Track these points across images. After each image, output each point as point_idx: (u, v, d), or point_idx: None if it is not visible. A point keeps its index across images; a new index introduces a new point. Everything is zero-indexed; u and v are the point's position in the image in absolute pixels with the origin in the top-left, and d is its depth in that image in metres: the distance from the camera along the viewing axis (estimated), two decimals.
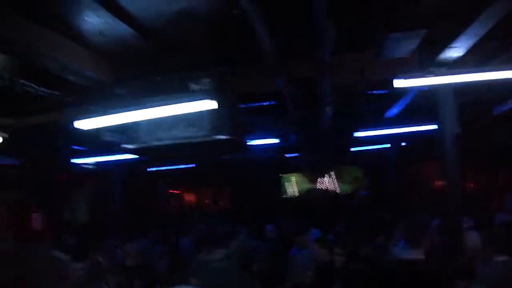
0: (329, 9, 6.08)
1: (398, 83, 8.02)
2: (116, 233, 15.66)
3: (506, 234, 8.14)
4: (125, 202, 18.99)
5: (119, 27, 7.07)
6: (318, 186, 32.98)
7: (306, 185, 33.61)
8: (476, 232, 8.94)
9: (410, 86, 8.32)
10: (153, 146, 9.26)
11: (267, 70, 8.59)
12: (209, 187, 28.61)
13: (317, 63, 8.22)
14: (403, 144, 20.77)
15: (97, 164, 17.24)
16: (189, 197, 28.60)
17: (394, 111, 13.14)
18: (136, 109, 8.20)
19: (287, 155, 21.04)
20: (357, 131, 14.68)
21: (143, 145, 9.32)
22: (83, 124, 8.70)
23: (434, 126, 10.54)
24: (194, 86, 8.60)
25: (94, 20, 6.88)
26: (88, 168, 17.84)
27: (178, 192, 27.05)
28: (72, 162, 16.41)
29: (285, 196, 30.20)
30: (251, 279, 7.79)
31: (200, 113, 8.33)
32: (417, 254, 7.91)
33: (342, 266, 8.46)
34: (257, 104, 11.17)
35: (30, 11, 6.55)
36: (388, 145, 20.85)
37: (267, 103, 11.20)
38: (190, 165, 21.32)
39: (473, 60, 8.97)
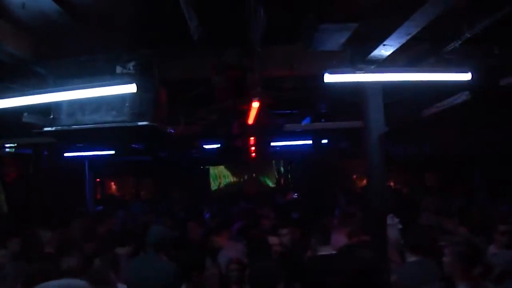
0: None
1: (328, 78, 7.97)
2: (37, 222, 15.19)
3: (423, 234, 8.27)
4: (46, 190, 18.49)
5: (43, 1, 6.77)
6: (243, 179, 33.09)
7: (232, 179, 33.75)
8: (394, 229, 9.07)
9: (339, 82, 8.25)
10: (74, 130, 8.98)
11: (196, 57, 8.43)
12: (131, 177, 28.30)
13: (247, 51, 8.10)
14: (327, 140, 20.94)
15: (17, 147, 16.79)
16: (111, 186, 28.23)
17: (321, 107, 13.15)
18: (58, 90, 7.94)
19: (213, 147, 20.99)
20: (285, 125, 14.69)
21: (64, 128, 9.03)
22: (2, 104, 8.39)
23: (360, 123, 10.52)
24: (119, 69, 8.38)
25: None
26: (6, 153, 17.34)
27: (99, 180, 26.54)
28: None
29: (213, 188, 30.22)
30: (171, 267, 7.64)
31: (123, 98, 8.13)
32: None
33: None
34: (183, 91, 10.96)
35: None
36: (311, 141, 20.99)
37: (194, 90, 11.01)
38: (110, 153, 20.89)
39: (403, 60, 8.98)
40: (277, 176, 33.94)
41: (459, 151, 17.86)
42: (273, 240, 9.14)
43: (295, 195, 23.10)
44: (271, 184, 33.89)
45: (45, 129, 9.29)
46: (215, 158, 24.74)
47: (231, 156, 24.51)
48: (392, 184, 22.22)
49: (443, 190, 18.78)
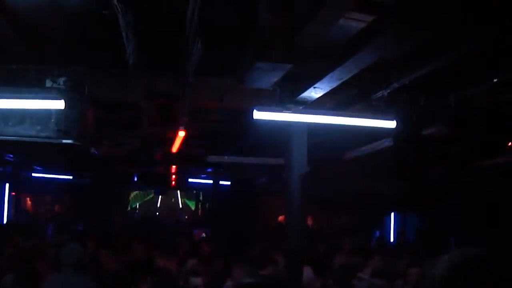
0: (200, 28, 6.00)
1: (257, 114, 8.03)
2: None
3: (344, 274, 8.44)
4: None
5: None
6: (162, 206, 32.98)
7: (151, 204, 33.62)
8: (308, 268, 9.17)
9: (267, 119, 8.33)
10: None
11: (128, 80, 8.38)
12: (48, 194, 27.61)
13: (179, 80, 8.10)
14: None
15: None
16: (27, 202, 27.39)
17: (245, 141, 13.22)
18: None
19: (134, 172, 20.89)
20: (210, 156, 14.75)
21: None
22: None
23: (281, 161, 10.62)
24: (49, 82, 8.19)
25: None
26: None
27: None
28: None
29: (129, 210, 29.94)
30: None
31: (49, 113, 7.97)
32: None
33: None
34: (111, 113, 10.84)
35: None
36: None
37: (122, 114, 10.93)
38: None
39: (331, 103, 9.13)
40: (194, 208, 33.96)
41: (376, 195, 18.23)
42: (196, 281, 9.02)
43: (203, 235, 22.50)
44: (193, 208, 34.00)
45: None
46: (135, 182, 24.60)
47: (152, 182, 24.43)
48: (309, 223, 22.40)
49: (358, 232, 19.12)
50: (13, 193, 23.17)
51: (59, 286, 7.63)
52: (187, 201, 35.67)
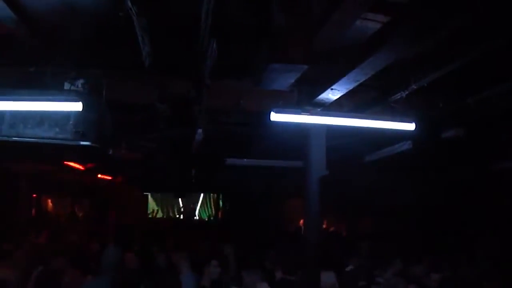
0: (214, 30, 5.97)
1: (274, 116, 8.00)
2: None
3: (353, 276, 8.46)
4: None
5: None
6: (182, 209, 32.81)
7: (170, 207, 33.44)
8: (331, 272, 9.14)
9: (285, 121, 8.29)
10: (14, 142, 8.79)
11: (145, 83, 8.37)
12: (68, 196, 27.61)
13: (195, 82, 8.08)
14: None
15: None
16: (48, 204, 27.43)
17: (264, 144, 13.19)
18: (2, 99, 7.79)
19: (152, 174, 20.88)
20: (229, 159, 14.71)
21: (3, 139, 8.85)
22: None
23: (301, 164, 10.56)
24: (67, 85, 8.21)
25: None
26: None
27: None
28: None
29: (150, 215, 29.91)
30: None
31: (67, 115, 7.99)
32: None
33: None
34: (128, 116, 10.82)
35: None
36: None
37: (139, 116, 10.90)
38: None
39: (350, 105, 9.07)
40: (214, 210, 33.79)
41: (394, 199, 18.11)
42: None
43: None
44: (205, 217, 33.82)
45: None
46: (154, 185, 24.56)
47: (170, 184, 24.38)
48: (331, 227, 22.34)
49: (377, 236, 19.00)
50: (34, 195, 23.30)
51: None
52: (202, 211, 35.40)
